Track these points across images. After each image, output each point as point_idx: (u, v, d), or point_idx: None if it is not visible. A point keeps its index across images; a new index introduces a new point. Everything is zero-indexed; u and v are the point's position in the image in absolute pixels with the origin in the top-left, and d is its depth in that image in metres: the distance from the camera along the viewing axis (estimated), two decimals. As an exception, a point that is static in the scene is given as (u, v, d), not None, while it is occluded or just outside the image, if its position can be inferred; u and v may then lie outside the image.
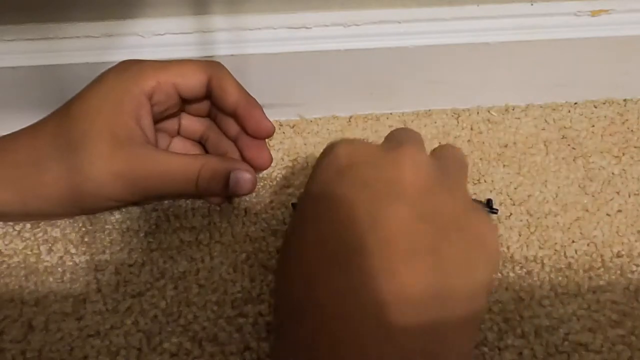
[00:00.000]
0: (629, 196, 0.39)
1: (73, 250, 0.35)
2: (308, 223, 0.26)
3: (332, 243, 0.24)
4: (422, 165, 0.26)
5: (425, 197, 0.25)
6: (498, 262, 0.28)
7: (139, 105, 0.32)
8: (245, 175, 0.33)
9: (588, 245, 0.37)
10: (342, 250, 0.24)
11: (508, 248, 0.36)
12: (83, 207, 0.33)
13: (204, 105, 0.36)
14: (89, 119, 0.31)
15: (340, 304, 0.23)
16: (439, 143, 0.41)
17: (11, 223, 0.36)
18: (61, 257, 0.35)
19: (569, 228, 0.37)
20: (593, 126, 0.42)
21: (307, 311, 0.24)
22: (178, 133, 0.37)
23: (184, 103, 0.35)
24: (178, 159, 0.32)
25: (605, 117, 0.43)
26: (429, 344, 0.23)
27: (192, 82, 0.33)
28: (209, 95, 0.35)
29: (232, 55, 0.36)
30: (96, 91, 0.32)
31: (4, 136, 0.33)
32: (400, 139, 0.28)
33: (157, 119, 0.34)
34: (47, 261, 0.35)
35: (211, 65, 0.34)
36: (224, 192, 0.33)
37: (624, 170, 0.40)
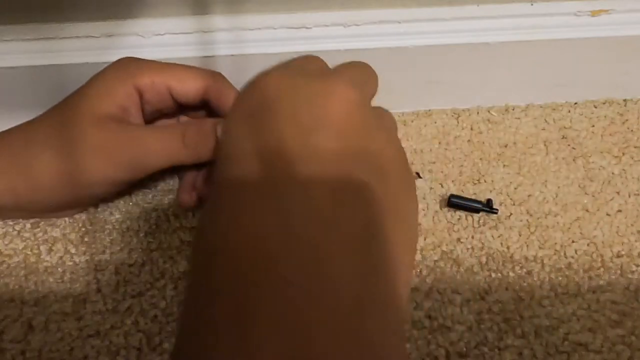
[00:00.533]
0: (629, 196, 0.39)
1: (73, 250, 0.35)
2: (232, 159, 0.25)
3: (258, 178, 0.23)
4: (356, 104, 0.25)
5: (358, 135, 0.24)
6: (416, 244, 0.28)
7: (128, 97, 0.32)
8: None
9: (588, 245, 0.37)
10: (268, 183, 0.23)
11: (508, 248, 0.36)
12: (76, 195, 0.33)
13: (202, 113, 0.36)
14: (78, 105, 0.32)
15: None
16: (439, 143, 0.41)
17: (11, 222, 0.36)
18: (61, 257, 0.35)
19: (569, 228, 0.37)
20: (593, 126, 0.42)
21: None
22: None
23: (182, 107, 0.35)
24: (160, 128, 0.33)
25: (605, 117, 0.43)
26: None
27: (187, 87, 0.33)
28: (206, 103, 0.34)
29: (232, 55, 0.36)
30: (90, 83, 0.33)
31: (2, 131, 0.33)
32: (339, 71, 0.27)
33: (150, 118, 0.34)
34: (47, 261, 0.35)
35: (211, 74, 0.34)
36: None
37: (624, 170, 0.40)
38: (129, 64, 0.33)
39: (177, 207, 0.37)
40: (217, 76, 0.34)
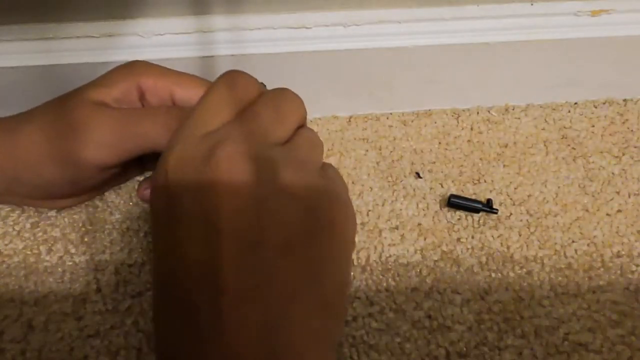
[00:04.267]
0: (629, 196, 0.39)
1: (73, 250, 0.35)
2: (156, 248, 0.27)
3: (168, 289, 0.25)
4: (240, 172, 0.25)
5: (250, 218, 0.24)
6: (351, 252, 0.28)
7: (125, 93, 0.32)
8: None
9: (588, 245, 0.37)
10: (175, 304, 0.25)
11: (508, 248, 0.36)
12: (63, 177, 0.32)
13: None
14: (75, 92, 0.32)
15: None
16: (439, 143, 0.41)
17: (11, 222, 0.36)
18: (61, 257, 0.35)
19: (569, 228, 0.37)
20: (593, 126, 0.42)
21: None
22: None
23: None
24: (144, 110, 0.33)
25: (605, 117, 0.43)
26: None
27: (189, 94, 0.33)
28: None
29: (232, 55, 0.36)
30: (95, 79, 0.33)
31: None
32: (218, 137, 0.26)
33: None
34: (47, 261, 0.35)
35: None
36: None
37: (624, 170, 0.40)
38: (137, 64, 0.33)
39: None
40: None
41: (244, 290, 0.23)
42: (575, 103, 0.43)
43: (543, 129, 0.42)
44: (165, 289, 0.25)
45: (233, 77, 0.29)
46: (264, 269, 0.24)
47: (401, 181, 0.39)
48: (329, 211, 0.26)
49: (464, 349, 0.33)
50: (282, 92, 0.29)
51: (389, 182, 0.39)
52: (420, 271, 0.35)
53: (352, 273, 0.35)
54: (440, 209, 0.38)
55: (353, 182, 0.39)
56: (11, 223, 0.36)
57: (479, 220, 0.37)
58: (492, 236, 0.37)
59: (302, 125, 0.29)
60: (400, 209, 0.38)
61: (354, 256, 0.36)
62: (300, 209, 0.25)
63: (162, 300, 0.26)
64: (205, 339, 0.23)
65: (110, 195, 0.37)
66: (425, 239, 0.37)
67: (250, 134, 0.26)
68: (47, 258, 0.35)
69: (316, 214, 0.25)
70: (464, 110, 0.43)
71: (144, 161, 0.36)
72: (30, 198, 0.35)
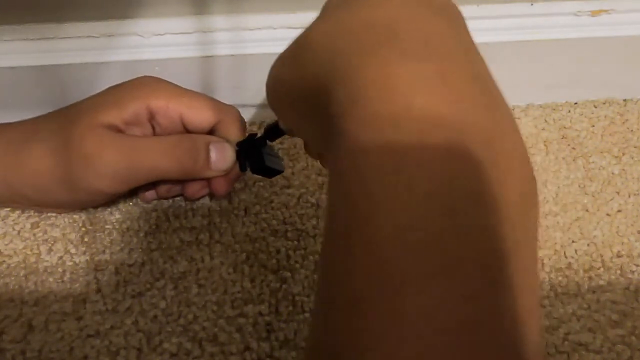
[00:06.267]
0: (629, 196, 0.39)
1: (73, 250, 0.35)
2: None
3: None
4: None
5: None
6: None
7: (136, 115, 0.32)
8: (224, 145, 0.33)
9: (588, 245, 0.37)
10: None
11: (508, 248, 0.36)
12: (69, 198, 0.33)
13: None
14: (84, 111, 0.32)
15: None
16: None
17: (11, 222, 0.36)
18: (61, 257, 0.35)
19: (569, 228, 0.37)
20: (593, 126, 0.42)
21: None
22: None
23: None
24: (154, 140, 0.32)
25: (605, 117, 0.43)
26: None
27: (200, 118, 0.33)
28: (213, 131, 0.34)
29: (232, 55, 0.36)
30: (104, 92, 0.33)
31: (6, 123, 0.34)
32: None
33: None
34: (47, 261, 0.35)
35: (224, 109, 0.34)
36: (207, 166, 0.33)
37: (624, 170, 0.40)
38: (148, 83, 0.33)
39: (177, 207, 0.37)
40: (229, 110, 0.34)
41: None
42: (575, 103, 0.43)
43: (543, 129, 0.42)
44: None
45: None
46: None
47: (401, 181, 0.39)
48: None
49: (464, 349, 0.33)
50: None
51: (389, 182, 0.39)
52: (420, 271, 0.35)
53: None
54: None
55: (353, 182, 0.39)
56: (11, 223, 0.36)
57: (479, 220, 0.37)
58: (492, 236, 0.37)
59: None
60: (400, 209, 0.38)
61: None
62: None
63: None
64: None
65: (110, 195, 0.37)
66: (425, 239, 0.37)
67: None
68: (47, 258, 0.35)
69: None
70: (464, 110, 0.43)
71: None
72: (34, 206, 0.36)
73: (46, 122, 0.33)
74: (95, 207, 0.36)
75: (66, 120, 0.32)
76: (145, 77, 0.34)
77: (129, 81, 0.33)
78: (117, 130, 0.32)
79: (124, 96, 0.32)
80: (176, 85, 0.34)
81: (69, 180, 0.31)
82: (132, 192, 0.37)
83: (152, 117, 0.33)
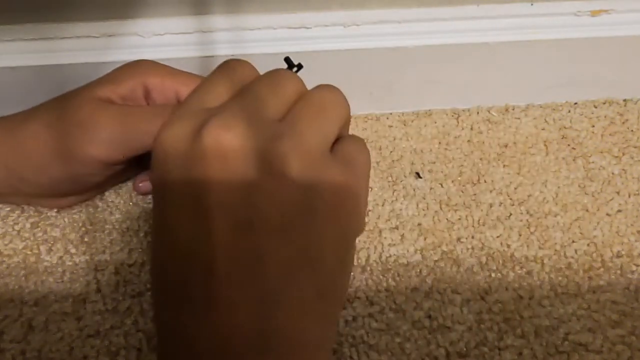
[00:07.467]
0: (629, 196, 0.39)
1: (73, 250, 0.35)
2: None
3: (164, 264, 0.24)
4: (229, 144, 0.23)
5: (241, 194, 0.23)
6: (356, 234, 0.27)
7: (131, 90, 0.32)
8: None
9: (588, 245, 0.37)
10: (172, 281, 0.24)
11: (508, 248, 0.36)
12: (67, 173, 0.32)
13: None
14: (81, 89, 0.32)
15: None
16: (439, 143, 0.41)
17: (11, 222, 0.36)
18: (61, 257, 0.35)
19: (569, 228, 0.37)
20: (593, 126, 0.42)
21: None
22: None
23: None
24: (150, 107, 0.32)
25: (605, 117, 0.43)
26: None
27: None
28: None
29: (232, 55, 0.36)
30: (101, 77, 0.33)
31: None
32: (210, 112, 0.24)
33: None
34: (47, 261, 0.35)
35: None
36: None
37: (624, 170, 0.40)
38: (143, 62, 0.33)
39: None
40: None
41: (235, 271, 0.23)
42: (575, 103, 0.43)
43: (543, 129, 0.42)
44: (161, 265, 0.25)
45: (231, 63, 0.28)
46: (257, 249, 0.23)
47: (401, 181, 0.39)
48: (329, 192, 0.24)
49: (464, 349, 0.33)
50: (277, 70, 0.28)
51: (389, 182, 0.39)
52: (420, 271, 0.35)
53: (354, 260, 0.35)
54: (440, 208, 0.38)
55: (353, 182, 0.39)
56: (11, 223, 0.36)
57: (479, 220, 0.37)
58: (492, 236, 0.37)
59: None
60: (400, 209, 0.38)
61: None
62: (298, 189, 0.23)
63: (159, 276, 0.25)
64: (198, 315, 0.23)
65: (110, 195, 0.37)
66: (425, 239, 0.37)
67: (244, 108, 0.24)
68: (47, 258, 0.35)
69: (314, 194, 0.23)
70: (464, 110, 0.43)
71: (145, 160, 0.36)
72: (34, 197, 0.35)
73: (42, 105, 0.33)
74: (93, 188, 0.35)
75: (62, 98, 0.32)
76: (141, 59, 0.34)
77: (126, 63, 0.33)
78: (113, 102, 0.32)
79: (120, 74, 0.33)
80: (171, 67, 0.34)
81: (64, 150, 0.31)
82: (132, 192, 0.37)
83: (147, 94, 0.33)
